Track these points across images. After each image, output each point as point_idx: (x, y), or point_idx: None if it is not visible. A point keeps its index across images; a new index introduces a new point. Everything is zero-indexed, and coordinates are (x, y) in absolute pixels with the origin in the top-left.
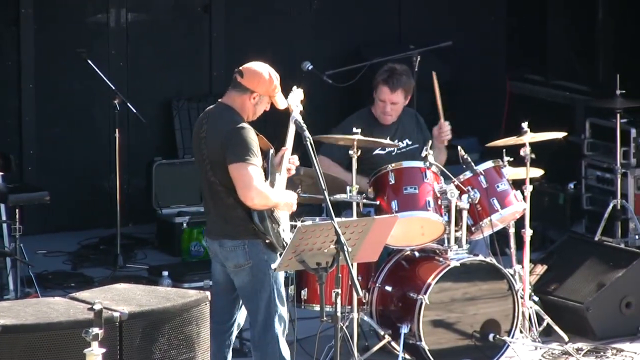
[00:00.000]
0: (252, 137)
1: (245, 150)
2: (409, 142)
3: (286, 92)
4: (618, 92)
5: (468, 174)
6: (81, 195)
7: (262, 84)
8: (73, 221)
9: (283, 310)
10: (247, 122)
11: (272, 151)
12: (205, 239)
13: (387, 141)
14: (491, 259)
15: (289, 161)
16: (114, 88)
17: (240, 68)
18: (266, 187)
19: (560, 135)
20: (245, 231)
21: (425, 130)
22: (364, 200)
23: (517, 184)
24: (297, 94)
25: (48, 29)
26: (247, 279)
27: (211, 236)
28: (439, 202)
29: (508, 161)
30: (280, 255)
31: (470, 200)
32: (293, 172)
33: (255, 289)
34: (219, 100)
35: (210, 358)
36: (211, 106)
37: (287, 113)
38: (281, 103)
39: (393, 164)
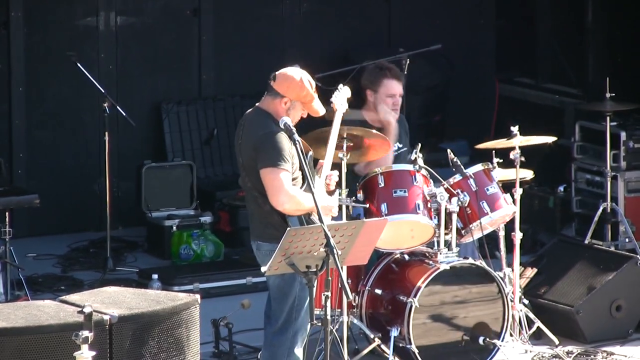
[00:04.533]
0: (284, 143)
1: (276, 155)
2: (400, 146)
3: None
4: (608, 95)
5: (457, 177)
6: (71, 198)
7: (293, 89)
8: (63, 224)
9: (305, 318)
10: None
11: (311, 153)
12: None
13: (379, 133)
14: (481, 262)
15: (328, 178)
16: (103, 91)
17: (275, 73)
18: (298, 191)
19: (550, 139)
20: (281, 235)
21: (408, 135)
22: (354, 204)
23: (507, 187)
24: (344, 92)
25: (38, 32)
26: (278, 281)
27: (251, 237)
28: (429, 205)
29: (497, 164)
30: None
31: (459, 203)
32: (332, 186)
33: (283, 292)
34: (256, 104)
35: None
36: (249, 110)
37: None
38: (319, 110)
39: (382, 167)
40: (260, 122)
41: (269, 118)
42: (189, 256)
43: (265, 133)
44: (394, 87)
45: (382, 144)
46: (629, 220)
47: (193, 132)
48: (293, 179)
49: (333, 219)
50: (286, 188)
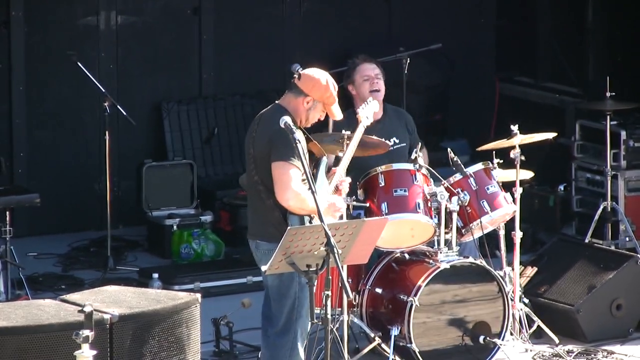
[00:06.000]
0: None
1: (290, 151)
2: (396, 141)
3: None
4: (608, 94)
5: (458, 176)
6: (71, 197)
7: (317, 89)
8: (63, 223)
9: (306, 318)
10: (302, 127)
11: (324, 158)
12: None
13: (380, 139)
14: (481, 261)
15: (340, 183)
16: (104, 90)
17: (300, 71)
18: (304, 191)
19: (550, 135)
20: (279, 234)
21: (413, 132)
22: (354, 203)
23: (507, 186)
24: (371, 106)
25: (38, 32)
26: (277, 282)
27: (250, 236)
28: (429, 204)
29: (498, 163)
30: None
31: (460, 202)
32: (344, 191)
33: (281, 292)
34: (276, 102)
35: None
36: (266, 108)
37: None
38: (337, 114)
39: (383, 167)
40: (278, 117)
41: (287, 115)
42: (189, 255)
43: (282, 128)
44: (366, 69)
45: (379, 143)
46: (629, 219)
47: (193, 131)
48: (302, 180)
49: None
50: (294, 184)
